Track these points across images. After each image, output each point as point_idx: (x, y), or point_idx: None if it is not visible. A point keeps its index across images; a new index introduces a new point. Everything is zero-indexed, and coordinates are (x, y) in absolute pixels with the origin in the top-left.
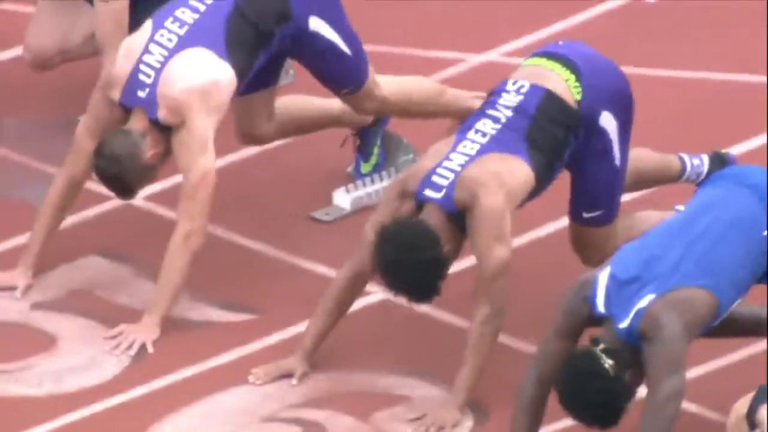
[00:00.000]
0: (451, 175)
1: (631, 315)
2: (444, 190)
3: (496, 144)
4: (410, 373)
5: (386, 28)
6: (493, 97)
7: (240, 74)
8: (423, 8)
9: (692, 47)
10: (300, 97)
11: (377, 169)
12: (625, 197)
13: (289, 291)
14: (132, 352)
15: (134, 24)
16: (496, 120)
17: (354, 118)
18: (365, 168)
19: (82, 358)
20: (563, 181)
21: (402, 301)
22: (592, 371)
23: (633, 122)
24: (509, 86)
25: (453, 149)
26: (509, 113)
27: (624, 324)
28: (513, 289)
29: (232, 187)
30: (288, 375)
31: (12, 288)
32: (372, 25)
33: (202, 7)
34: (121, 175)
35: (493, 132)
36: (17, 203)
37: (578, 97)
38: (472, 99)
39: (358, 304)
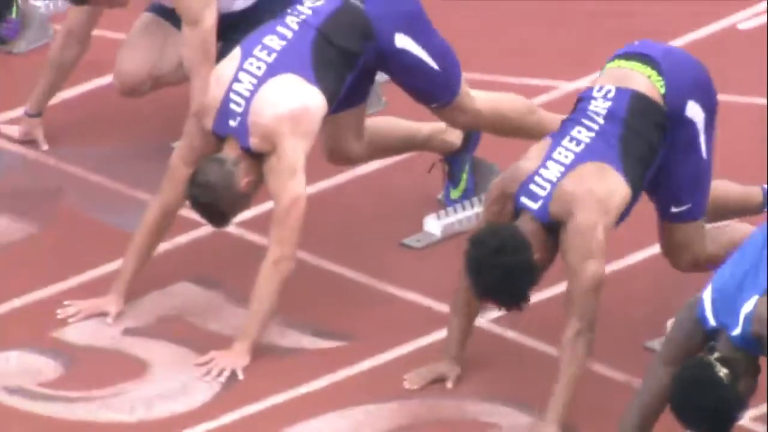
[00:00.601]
0: (548, 186)
1: (741, 320)
2: (540, 201)
3: (590, 153)
4: (500, 401)
5: (479, 56)
6: (582, 103)
7: (329, 98)
8: (516, 35)
9: None
10: (389, 118)
11: (467, 195)
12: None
13: (379, 318)
14: (223, 378)
15: (223, 50)
16: (589, 128)
17: (442, 143)
18: (454, 194)
19: (173, 385)
20: (652, 209)
21: (490, 326)
22: (706, 379)
23: (717, 113)
24: (595, 93)
25: (549, 156)
26: (601, 120)
27: (736, 331)
28: (606, 317)
29: (323, 214)
30: (440, 379)
31: (104, 314)
32: (465, 52)
33: (289, 34)
34: (215, 203)
35: (588, 140)
36: (110, 229)
37: (662, 90)
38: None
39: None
